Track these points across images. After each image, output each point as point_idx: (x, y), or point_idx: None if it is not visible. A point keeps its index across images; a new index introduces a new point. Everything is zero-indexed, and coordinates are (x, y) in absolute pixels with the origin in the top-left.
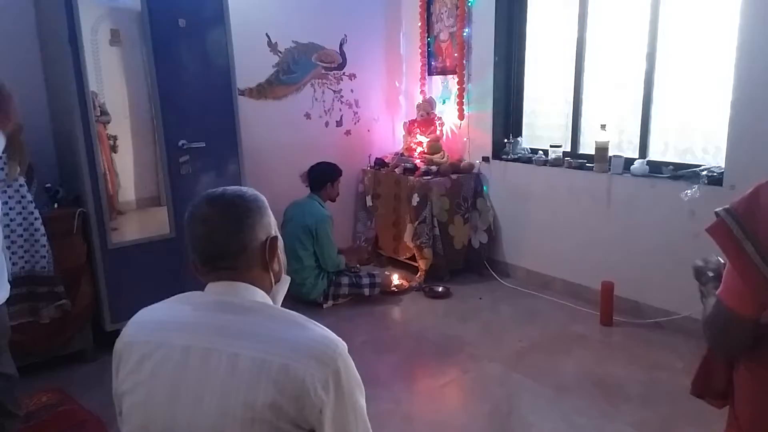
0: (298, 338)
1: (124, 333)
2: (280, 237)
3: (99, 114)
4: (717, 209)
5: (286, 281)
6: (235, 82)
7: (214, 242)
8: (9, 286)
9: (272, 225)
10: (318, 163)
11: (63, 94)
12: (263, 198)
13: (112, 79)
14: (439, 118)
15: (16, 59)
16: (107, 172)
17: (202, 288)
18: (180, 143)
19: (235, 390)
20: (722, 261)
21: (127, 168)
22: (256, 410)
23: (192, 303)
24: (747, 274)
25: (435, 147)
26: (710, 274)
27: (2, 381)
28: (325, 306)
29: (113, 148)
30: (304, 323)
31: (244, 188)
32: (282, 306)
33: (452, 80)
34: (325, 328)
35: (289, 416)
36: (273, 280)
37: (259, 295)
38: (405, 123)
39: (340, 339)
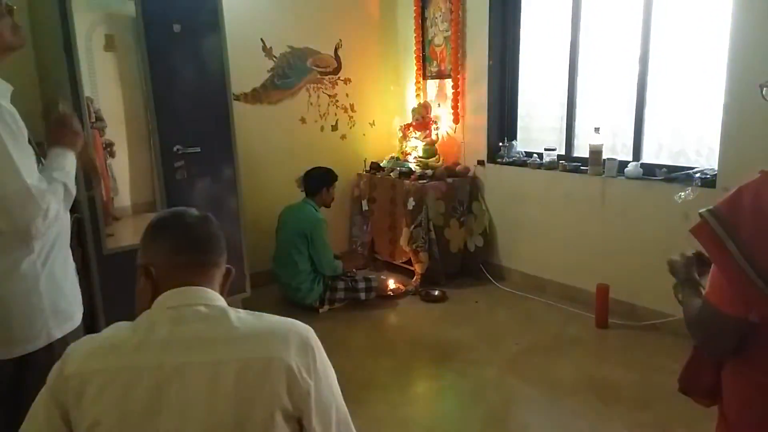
0: (271, 329)
1: (63, 367)
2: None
3: (94, 120)
4: (701, 210)
5: None
6: (230, 87)
7: (201, 233)
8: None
9: None
10: (314, 168)
11: (58, 100)
12: None
13: (107, 85)
14: (435, 122)
15: (11, 65)
16: (102, 178)
17: None
18: (175, 148)
19: (222, 398)
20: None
21: (122, 173)
22: (249, 413)
23: (150, 322)
24: (731, 273)
25: (430, 151)
26: (685, 269)
27: None
28: (321, 311)
29: (110, 154)
30: (267, 315)
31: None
32: (277, 311)
33: (447, 84)
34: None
35: (282, 405)
36: None
37: (221, 301)
38: (400, 127)
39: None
